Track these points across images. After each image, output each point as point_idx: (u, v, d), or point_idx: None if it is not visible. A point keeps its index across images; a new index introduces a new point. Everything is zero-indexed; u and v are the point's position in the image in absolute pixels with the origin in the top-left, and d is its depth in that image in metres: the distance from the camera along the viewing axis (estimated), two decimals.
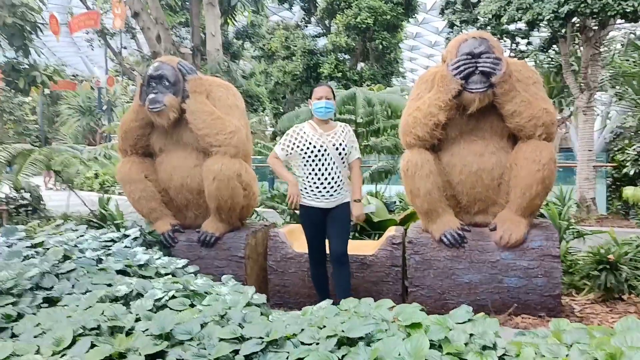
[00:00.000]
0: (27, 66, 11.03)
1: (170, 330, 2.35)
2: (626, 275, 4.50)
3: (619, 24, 10.21)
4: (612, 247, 4.78)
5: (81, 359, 2.09)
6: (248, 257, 4.62)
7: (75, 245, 3.77)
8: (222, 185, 4.39)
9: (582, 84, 10.73)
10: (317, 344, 2.30)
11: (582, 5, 8.99)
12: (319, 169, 3.95)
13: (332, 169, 3.96)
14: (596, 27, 10.12)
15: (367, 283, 4.45)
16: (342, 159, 3.98)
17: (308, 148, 3.93)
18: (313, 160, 3.94)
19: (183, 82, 4.55)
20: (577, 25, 10.32)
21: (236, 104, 4.69)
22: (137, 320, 2.53)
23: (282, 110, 22.67)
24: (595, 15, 9.14)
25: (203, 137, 4.45)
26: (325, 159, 3.94)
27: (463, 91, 3.98)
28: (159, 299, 2.81)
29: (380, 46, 15.82)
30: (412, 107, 4.25)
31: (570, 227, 5.48)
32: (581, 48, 11.08)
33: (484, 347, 2.23)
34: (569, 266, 5.14)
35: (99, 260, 3.56)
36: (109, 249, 3.84)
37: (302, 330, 2.43)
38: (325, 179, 3.96)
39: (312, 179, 3.98)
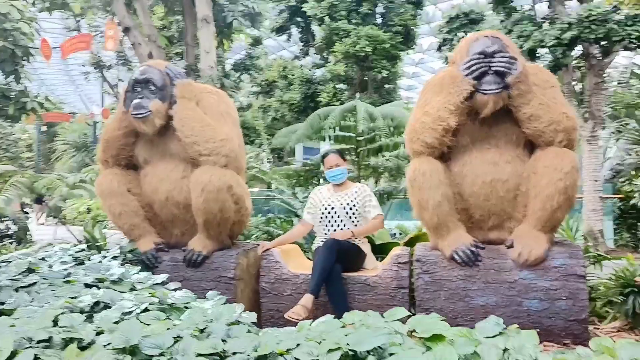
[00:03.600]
0: (17, 92, 10.77)
1: (137, 343, 1.92)
2: None
3: (620, 51, 10.03)
4: (638, 270, 4.38)
5: None
6: (239, 278, 4.18)
7: (43, 259, 3.34)
8: (211, 197, 4.00)
9: (586, 113, 10.48)
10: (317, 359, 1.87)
11: (586, 30, 8.81)
12: (330, 224, 4.26)
13: (338, 225, 4.24)
14: (600, 56, 9.94)
15: (370, 306, 3.98)
16: (349, 217, 4.23)
17: (320, 209, 4.32)
18: (325, 217, 4.27)
19: (171, 87, 4.22)
20: (581, 52, 10.16)
21: (228, 112, 4.35)
22: (99, 333, 2.10)
23: (279, 147, 22.46)
24: (599, 41, 8.96)
25: (191, 146, 4.09)
26: (332, 217, 4.24)
27: (475, 93, 3.65)
28: (129, 312, 2.38)
29: (379, 76, 15.72)
30: (419, 112, 3.91)
31: (589, 251, 5.08)
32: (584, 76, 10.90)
33: None
34: (589, 292, 4.71)
35: (68, 275, 3.13)
36: (82, 264, 3.41)
37: (298, 345, 2.00)
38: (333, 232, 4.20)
39: (324, 232, 4.29)
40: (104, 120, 20.20)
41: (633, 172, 10.91)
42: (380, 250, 5.40)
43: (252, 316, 2.78)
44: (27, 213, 15.14)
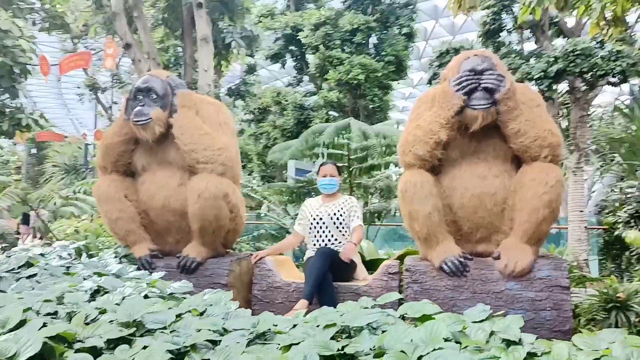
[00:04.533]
0: (12, 108, 10.85)
1: (140, 318, 2.00)
2: (637, 313, 4.18)
3: (605, 85, 10.36)
4: (621, 287, 4.50)
5: (30, 338, 1.72)
6: (231, 286, 4.24)
7: (42, 255, 3.40)
8: (207, 204, 4.09)
9: (571, 145, 10.74)
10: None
11: (572, 64, 9.13)
12: (319, 235, 4.39)
13: (325, 235, 4.37)
14: (585, 89, 10.26)
15: None
16: (337, 226, 4.37)
17: (309, 219, 4.44)
18: (314, 227, 4.40)
19: (172, 96, 4.35)
20: (567, 85, 10.48)
21: (226, 122, 4.48)
22: (102, 312, 2.17)
23: (269, 173, 22.57)
24: (584, 75, 9.27)
25: (189, 153, 4.20)
26: (321, 227, 4.37)
27: (465, 108, 3.81)
28: (129, 297, 2.45)
29: (371, 105, 16.11)
30: (411, 126, 4.06)
31: (573, 271, 5.21)
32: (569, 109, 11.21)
33: (508, 343, 1.91)
34: (572, 310, 4.82)
35: (67, 269, 3.20)
36: (79, 261, 3.47)
37: (295, 325, 2.09)
38: (322, 242, 4.36)
39: (313, 242, 4.41)
40: (96, 142, 20.27)
41: (617, 205, 11.12)
42: (370, 266, 5.49)
43: (247, 313, 2.85)
44: (18, 233, 15.06)
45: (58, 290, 2.16)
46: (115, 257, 4.17)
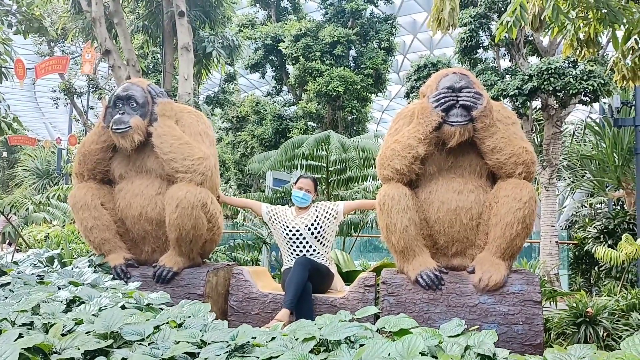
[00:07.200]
0: None
1: (118, 330, 1.99)
2: (604, 327, 4.30)
3: (577, 104, 10.64)
4: (590, 302, 4.62)
5: (6, 349, 1.70)
6: (207, 296, 4.22)
7: (15, 263, 3.35)
8: (185, 213, 4.07)
9: (544, 161, 10.98)
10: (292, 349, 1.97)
11: (545, 83, 9.37)
12: (296, 246, 4.40)
13: (303, 246, 4.38)
14: (557, 106, 10.52)
15: None
16: (315, 236, 4.38)
17: (284, 230, 4.43)
18: (290, 239, 4.41)
19: (152, 104, 4.34)
20: (540, 103, 10.72)
21: (206, 132, 4.48)
22: (79, 323, 2.15)
23: (246, 182, 22.51)
24: (557, 93, 9.51)
25: (169, 162, 4.18)
26: (297, 238, 4.38)
27: (443, 124, 3.89)
28: (106, 308, 2.43)
29: (350, 116, 16.29)
30: (390, 140, 4.12)
31: (545, 285, 5.32)
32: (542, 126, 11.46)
33: (483, 358, 1.95)
34: (543, 324, 4.92)
35: (41, 278, 3.16)
36: (53, 269, 3.43)
37: (273, 338, 2.10)
38: (300, 254, 4.36)
39: (291, 254, 4.43)
40: (71, 147, 19.94)
41: (587, 220, 11.39)
42: (346, 278, 5.52)
43: (224, 324, 2.85)
44: None
45: (33, 301, 2.14)
46: (90, 265, 4.11)
